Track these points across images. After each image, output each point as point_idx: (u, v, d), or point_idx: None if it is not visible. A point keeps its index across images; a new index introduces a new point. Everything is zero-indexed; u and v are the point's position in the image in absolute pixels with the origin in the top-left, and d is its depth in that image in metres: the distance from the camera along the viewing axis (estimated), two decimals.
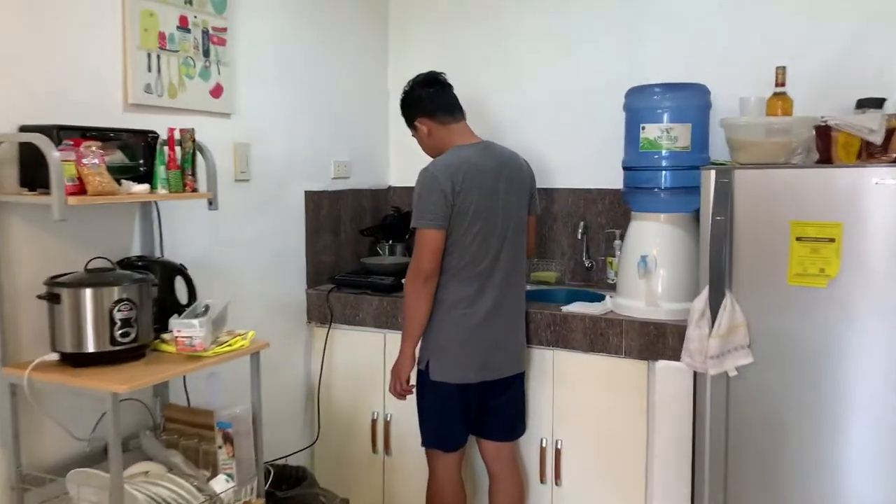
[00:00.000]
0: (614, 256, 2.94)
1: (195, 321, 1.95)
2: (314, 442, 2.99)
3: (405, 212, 3.32)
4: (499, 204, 2.32)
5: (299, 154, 2.92)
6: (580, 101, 3.04)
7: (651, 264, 2.38)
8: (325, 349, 2.93)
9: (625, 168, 2.54)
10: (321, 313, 2.93)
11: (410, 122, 2.49)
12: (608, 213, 3.00)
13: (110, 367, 1.88)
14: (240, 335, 2.11)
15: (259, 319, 2.74)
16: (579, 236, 2.97)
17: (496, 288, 2.33)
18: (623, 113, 2.56)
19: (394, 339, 2.75)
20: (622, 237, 2.90)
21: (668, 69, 2.81)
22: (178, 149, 2.13)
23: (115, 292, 1.90)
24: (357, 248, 3.24)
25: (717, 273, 2.17)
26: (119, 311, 1.89)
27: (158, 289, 2.16)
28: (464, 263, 2.29)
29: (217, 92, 2.51)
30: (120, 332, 1.89)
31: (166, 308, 2.19)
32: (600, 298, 2.76)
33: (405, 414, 2.71)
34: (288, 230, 2.88)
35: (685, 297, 2.38)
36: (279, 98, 2.81)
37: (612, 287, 2.91)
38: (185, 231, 2.41)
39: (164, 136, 2.10)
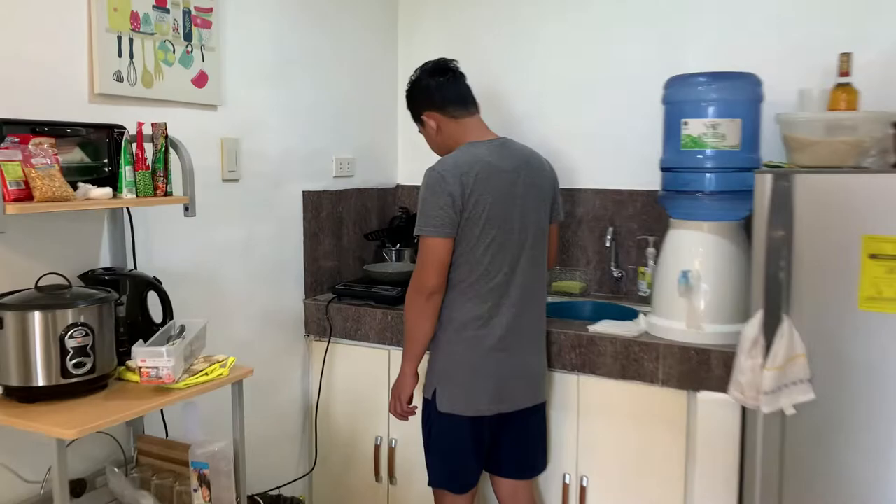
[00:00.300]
0: (647, 266, 2.63)
1: (162, 349, 1.66)
2: (311, 469, 2.71)
3: (414, 213, 3.03)
4: (516, 210, 2.03)
5: (296, 150, 2.63)
6: (608, 92, 2.73)
7: (693, 280, 2.08)
8: (323, 365, 2.65)
9: (663, 169, 2.23)
10: (320, 326, 2.65)
11: (417, 116, 2.19)
12: (640, 218, 2.69)
13: (62, 403, 1.61)
14: (218, 362, 1.83)
15: (250, 333, 2.46)
16: (607, 243, 2.66)
17: (513, 305, 2.03)
18: (660, 106, 2.24)
19: (399, 356, 2.46)
20: (656, 245, 2.60)
21: (710, 57, 2.49)
22: (149, 146, 1.85)
23: (69, 315, 1.62)
24: (361, 253, 2.95)
25: (773, 294, 1.86)
26: (72, 337, 1.61)
27: (128, 306, 1.90)
28: (475, 278, 2.00)
29: (200, 80, 2.22)
30: (73, 362, 1.62)
31: (137, 328, 1.91)
32: (631, 314, 2.45)
33: (411, 439, 2.43)
34: (283, 235, 2.60)
35: (732, 319, 2.07)
36: (273, 88, 2.52)
37: (644, 301, 2.61)
38: (163, 238, 2.14)
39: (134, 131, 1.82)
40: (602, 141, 2.76)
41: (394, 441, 2.56)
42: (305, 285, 2.69)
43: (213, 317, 2.28)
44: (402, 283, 2.59)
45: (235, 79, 2.35)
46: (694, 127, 2.08)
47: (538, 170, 2.12)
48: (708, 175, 2.10)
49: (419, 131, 2.23)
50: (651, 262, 2.62)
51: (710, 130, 2.06)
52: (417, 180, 3.11)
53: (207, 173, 2.27)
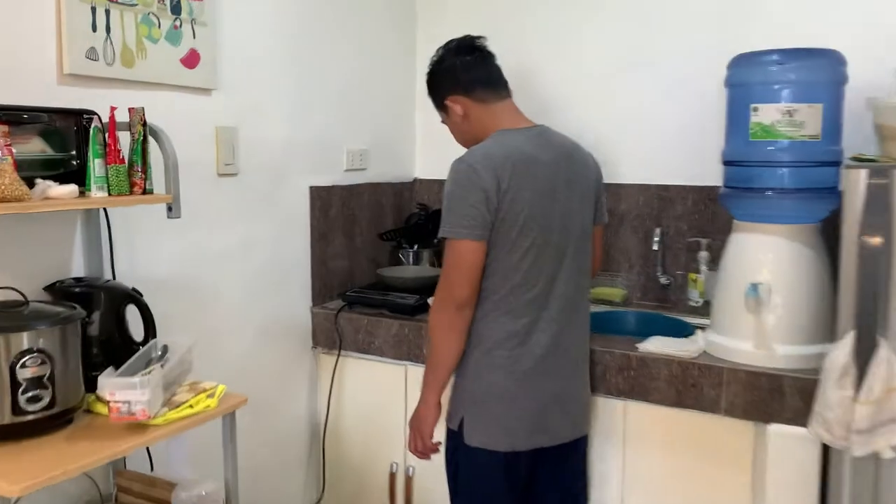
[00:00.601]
0: (699, 273, 2.32)
1: (134, 379, 1.38)
2: (319, 500, 2.43)
3: (434, 210, 2.73)
4: (557, 210, 1.73)
5: (303, 141, 2.34)
6: (654, 73, 2.42)
7: (765, 294, 1.77)
8: (332, 382, 2.37)
9: (726, 162, 1.91)
10: (329, 337, 2.37)
11: (440, 102, 1.89)
12: (691, 217, 2.38)
13: (14, 446, 1.34)
14: (205, 391, 1.55)
15: (249, 347, 2.19)
16: (655, 245, 2.35)
17: (554, 321, 1.74)
18: (715, 90, 1.94)
19: (417, 373, 2.19)
20: (710, 248, 2.30)
21: (777, 32, 2.16)
22: (126, 136, 1.56)
23: (23, 340, 1.35)
24: (375, 255, 2.66)
25: (866, 314, 1.55)
26: (25, 366, 1.33)
27: (102, 323, 1.62)
28: (510, 288, 1.70)
29: (192, 60, 1.93)
30: (27, 396, 1.34)
31: (114, 348, 1.64)
32: (683, 328, 2.15)
33: (431, 466, 2.13)
34: (288, 235, 2.31)
35: (810, 339, 1.77)
36: (276, 69, 2.22)
37: (696, 311, 2.31)
38: (147, 243, 1.86)
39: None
40: (645, 130, 2.44)
41: (411, 469, 2.27)
42: (313, 292, 2.40)
43: (206, 331, 2.00)
44: (421, 290, 2.31)
45: (232, 59, 2.06)
46: (766, 114, 1.77)
47: (581, 164, 1.82)
48: (781, 170, 1.79)
49: (442, 121, 1.94)
50: (703, 268, 2.31)
51: (784, 118, 1.75)
52: (438, 174, 2.84)
53: (200, 167, 1.99)
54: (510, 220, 1.67)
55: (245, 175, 2.13)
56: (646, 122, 2.44)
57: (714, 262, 2.32)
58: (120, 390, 1.37)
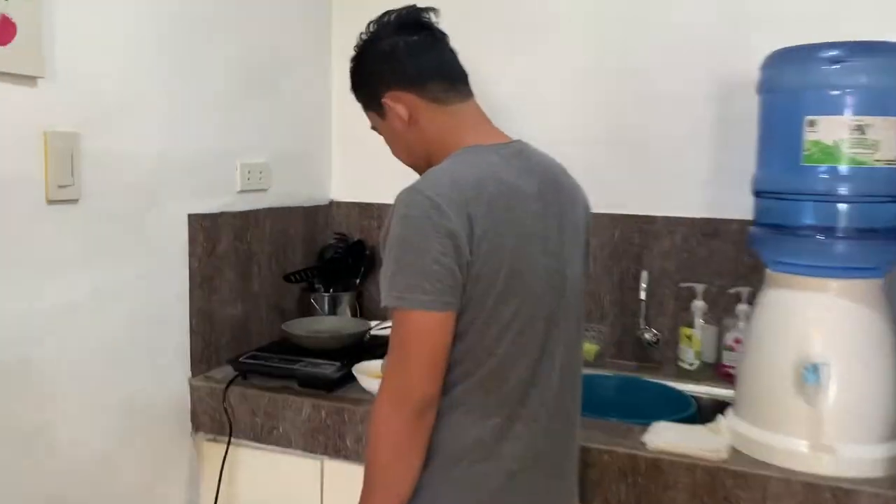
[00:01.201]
0: (693, 327, 1.85)
1: None
2: None
3: (354, 241, 2.17)
4: (547, 262, 1.20)
5: (180, 152, 1.72)
6: (632, 77, 1.94)
7: (825, 377, 1.29)
8: (220, 480, 1.74)
9: (759, 193, 1.44)
10: (215, 420, 1.75)
11: (372, 100, 1.31)
12: (680, 256, 1.91)
13: None
14: None
15: (102, 440, 1.56)
16: (641, 293, 1.86)
17: (534, 420, 1.20)
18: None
19: (338, 471, 1.63)
20: (707, 296, 1.83)
21: (811, 23, 1.72)
22: None
23: None
24: (279, 302, 2.06)
25: None
26: None
27: None
28: (480, 378, 1.15)
29: (4, 34, 1.30)
30: None
31: None
32: (683, 403, 1.67)
33: None
34: (157, 281, 1.68)
35: (885, 437, 1.31)
36: (143, 54, 1.60)
37: (688, 375, 1.85)
38: None
39: None
40: (620, 146, 1.96)
41: None
42: (192, 357, 1.78)
43: (32, 427, 1.36)
44: (343, 352, 1.75)
45: (72, 36, 1.43)
46: (828, 129, 1.30)
47: (570, 195, 1.29)
48: (841, 205, 1.32)
49: (373, 127, 1.37)
50: (699, 321, 1.84)
51: (853, 136, 1.28)
52: (360, 194, 2.26)
53: (18, 190, 1.35)
54: (486, 279, 1.12)
55: (91, 200, 1.49)
56: (622, 136, 1.96)
57: (712, 315, 1.86)
58: None
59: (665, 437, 1.42)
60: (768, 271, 1.44)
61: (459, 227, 1.09)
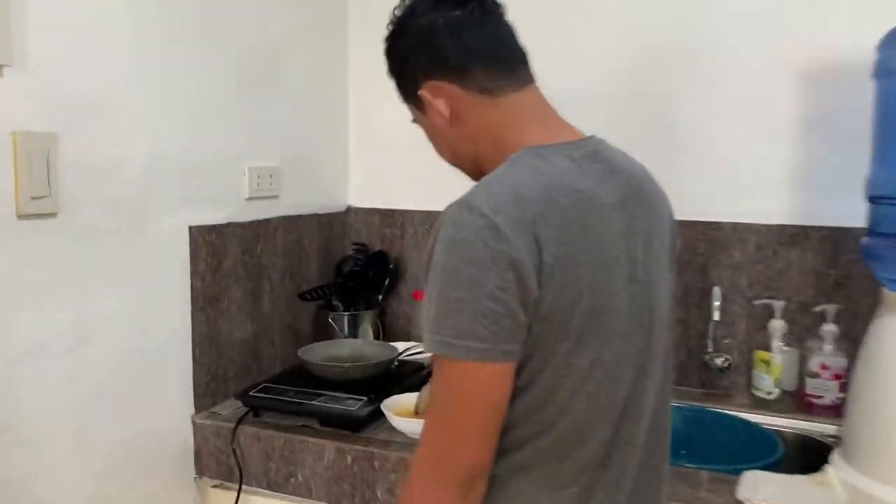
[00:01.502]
0: (769, 350, 1.61)
1: None
2: None
3: (374, 252, 1.93)
4: (634, 293, 0.95)
5: (177, 156, 1.48)
6: (693, 58, 1.69)
7: None
8: None
9: (875, 199, 1.20)
10: (222, 464, 1.52)
11: (409, 89, 1.06)
12: (754, 269, 1.66)
13: None
14: None
15: (93, 489, 1.32)
16: (715, 314, 1.61)
17: (620, 486, 0.95)
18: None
19: None
20: (785, 315, 1.59)
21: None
22: None
23: None
24: (294, 323, 1.82)
25: None
26: None
27: None
28: (553, 439, 0.91)
29: None
30: None
31: None
32: (767, 441, 1.43)
33: None
34: (153, 305, 1.45)
35: None
36: (134, 42, 1.37)
37: (764, 405, 1.61)
38: None
39: None
40: (675, 142, 1.72)
41: None
42: (196, 390, 1.55)
43: (5, 481, 1.13)
44: (366, 384, 1.51)
45: (47, 16, 1.20)
46: None
47: (657, 204, 1.05)
48: None
49: (414, 120, 1.13)
50: (777, 344, 1.60)
51: None
52: (380, 199, 2.03)
53: None
54: (559, 319, 0.87)
55: (73, 213, 1.26)
56: (677, 133, 1.72)
57: (792, 336, 1.61)
58: None
59: (765, 493, 1.18)
60: (885, 291, 1.19)
61: (524, 253, 0.84)
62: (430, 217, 1.89)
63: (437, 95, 1.02)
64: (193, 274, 1.53)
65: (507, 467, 0.92)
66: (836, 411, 1.51)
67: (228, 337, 1.62)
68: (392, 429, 1.44)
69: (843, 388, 1.51)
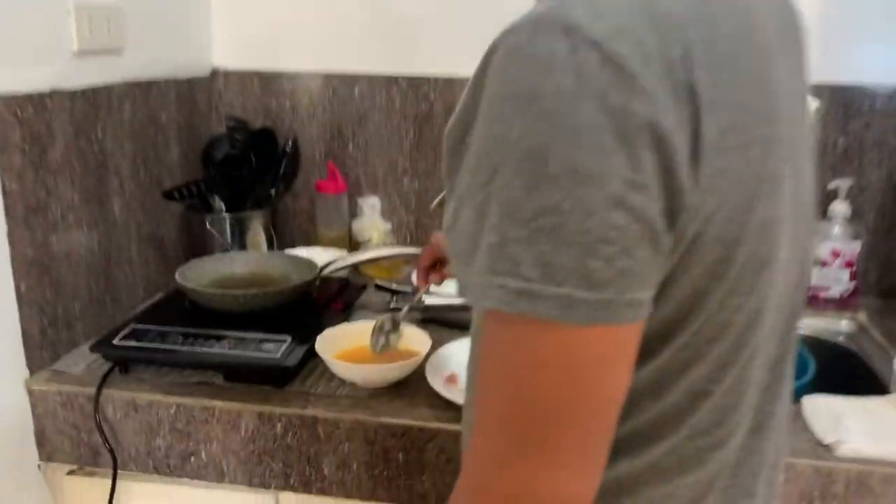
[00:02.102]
0: None
1: None
2: None
3: (257, 131, 1.45)
4: (796, 210, 0.57)
5: None
6: None
7: None
8: None
9: None
10: (81, 443, 1.05)
11: None
12: None
13: None
14: None
15: None
16: None
17: (752, 493, 0.63)
18: None
19: None
20: None
21: None
22: None
23: None
24: (158, 232, 1.32)
25: None
26: None
27: None
28: (683, 437, 0.55)
29: None
30: None
31: None
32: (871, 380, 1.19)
33: None
34: None
35: None
36: None
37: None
38: None
39: None
40: None
41: None
42: (26, 341, 1.05)
43: None
44: (278, 314, 1.10)
45: None
46: None
47: (806, 51, 0.67)
48: None
49: None
50: None
51: None
52: (256, 58, 1.49)
53: None
54: (718, 245, 0.50)
55: None
56: None
57: None
58: None
59: (856, 431, 0.91)
60: None
61: (672, 119, 0.45)
62: (340, 83, 1.42)
63: None
64: (5, 171, 0.99)
65: (613, 486, 0.56)
66: (844, 305, 1.30)
67: (66, 260, 1.11)
68: (333, 377, 1.04)
69: (854, 276, 1.31)
